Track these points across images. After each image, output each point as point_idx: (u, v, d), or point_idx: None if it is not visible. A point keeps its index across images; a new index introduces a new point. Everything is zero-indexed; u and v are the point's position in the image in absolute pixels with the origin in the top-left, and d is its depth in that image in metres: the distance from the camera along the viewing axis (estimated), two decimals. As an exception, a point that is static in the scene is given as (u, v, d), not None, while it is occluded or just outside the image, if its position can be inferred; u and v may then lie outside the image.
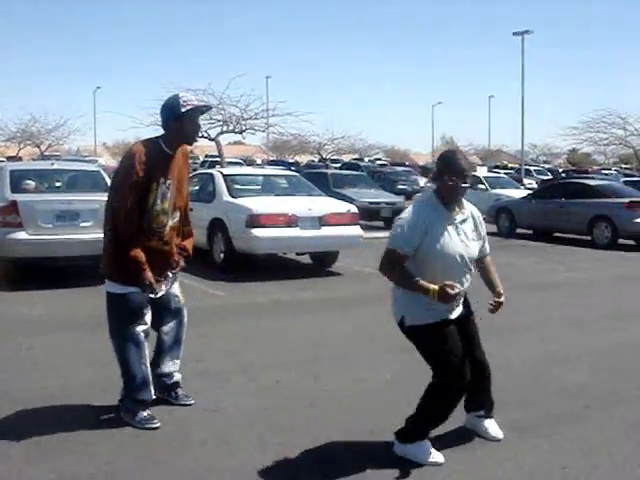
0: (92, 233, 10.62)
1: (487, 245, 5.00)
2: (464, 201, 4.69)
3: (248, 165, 50.58)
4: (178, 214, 5.31)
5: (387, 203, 21.37)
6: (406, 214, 4.54)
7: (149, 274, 5.03)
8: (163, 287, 5.26)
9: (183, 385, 5.74)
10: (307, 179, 15.73)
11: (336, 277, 12.25)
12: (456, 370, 4.55)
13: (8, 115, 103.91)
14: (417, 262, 4.47)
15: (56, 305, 9.28)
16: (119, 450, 4.79)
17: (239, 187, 13.36)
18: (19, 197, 10.73)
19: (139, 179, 4.96)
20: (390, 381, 6.36)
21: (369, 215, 19.76)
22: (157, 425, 5.14)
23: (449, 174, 4.47)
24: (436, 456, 4.62)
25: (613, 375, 6.72)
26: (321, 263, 13.25)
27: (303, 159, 67.99)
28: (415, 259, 4.47)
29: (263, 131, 36.84)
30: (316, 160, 61.72)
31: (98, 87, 75.16)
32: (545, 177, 47.36)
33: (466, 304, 4.92)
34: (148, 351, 5.33)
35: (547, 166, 67.88)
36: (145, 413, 5.20)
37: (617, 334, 8.44)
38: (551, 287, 11.87)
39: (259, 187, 13.95)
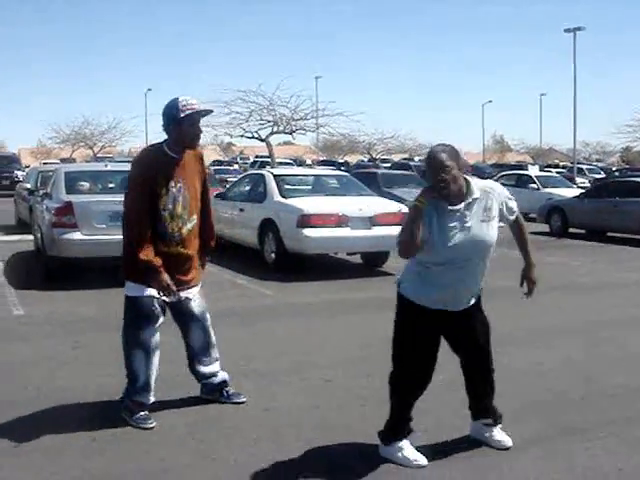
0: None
1: (513, 205, 4.82)
2: (473, 183, 4.49)
3: (298, 165, 50.76)
4: (196, 218, 5.32)
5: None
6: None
7: (165, 276, 5.05)
8: (182, 293, 5.30)
9: (234, 384, 5.80)
10: (357, 179, 15.74)
11: (387, 277, 12.21)
12: (410, 366, 4.61)
13: (61, 118, 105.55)
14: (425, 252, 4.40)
15: (110, 304, 9.42)
16: (175, 447, 4.87)
17: (290, 187, 13.43)
18: (74, 198, 10.93)
19: (145, 184, 5.01)
20: (444, 381, 6.33)
21: (420, 215, 19.63)
22: (152, 425, 5.19)
23: (429, 171, 4.36)
24: (418, 457, 4.59)
25: (669, 377, 6.62)
26: (372, 263, 13.24)
27: (353, 159, 68.01)
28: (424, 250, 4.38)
29: (313, 131, 36.99)
30: (366, 160, 61.69)
31: (149, 89, 75.96)
32: (598, 176, 46.71)
33: (476, 299, 4.75)
34: (158, 358, 5.35)
35: (600, 164, 66.90)
36: (142, 413, 5.26)
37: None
38: (604, 288, 11.69)
39: (309, 187, 14.00)
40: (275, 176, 13.63)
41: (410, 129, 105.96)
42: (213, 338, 5.65)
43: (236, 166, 54.63)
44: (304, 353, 7.27)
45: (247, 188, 14.66)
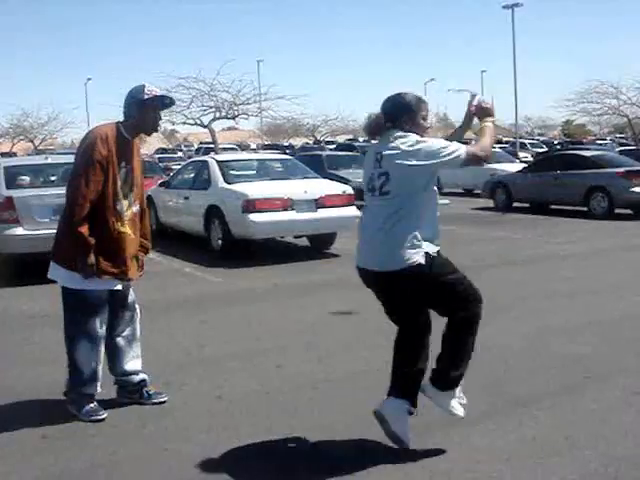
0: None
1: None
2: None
3: (242, 150, 50.53)
4: (138, 204, 5.29)
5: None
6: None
7: (92, 257, 4.94)
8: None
9: (187, 371, 5.75)
10: (302, 162, 15.73)
11: (334, 259, 12.27)
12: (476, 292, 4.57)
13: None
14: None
15: (57, 300, 9.30)
16: (126, 440, 4.83)
17: (234, 173, 13.35)
18: (14, 193, 10.73)
19: (102, 158, 4.92)
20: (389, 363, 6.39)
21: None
22: (103, 416, 5.12)
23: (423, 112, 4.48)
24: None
25: (613, 345, 6.76)
26: (319, 245, 13.26)
27: (298, 142, 67.89)
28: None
29: (256, 116, 36.81)
30: (311, 142, 61.65)
31: (89, 78, 75.00)
32: (540, 150, 47.32)
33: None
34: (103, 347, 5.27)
35: (542, 139, 67.80)
36: (92, 405, 5.17)
37: (616, 304, 8.46)
38: (548, 259, 11.89)
39: (254, 172, 13.95)
40: (219, 162, 13.55)
41: (353, 110, 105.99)
42: (139, 333, 5.53)
43: (180, 154, 54.19)
44: (255, 339, 7.26)
45: (191, 175, 14.55)
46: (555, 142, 59.11)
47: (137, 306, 5.52)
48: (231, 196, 12.20)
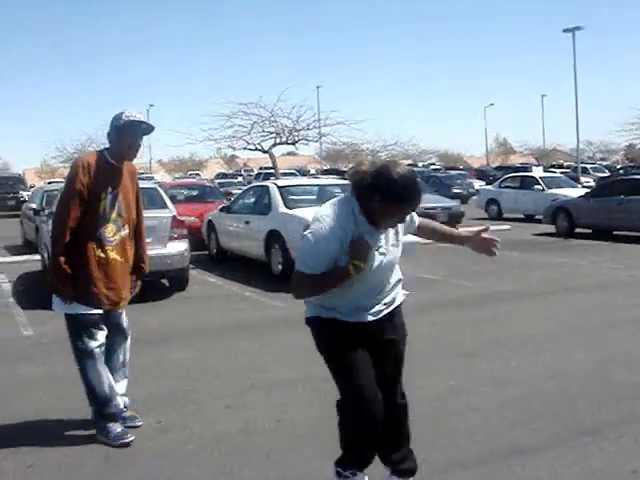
0: (151, 249, 10.78)
1: (414, 218, 4.19)
2: None
3: (302, 175, 50.80)
4: (128, 228, 5.33)
5: (443, 208, 21.24)
6: (323, 222, 3.64)
7: (69, 284, 5.03)
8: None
9: (246, 396, 5.77)
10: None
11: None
12: (361, 392, 3.84)
13: (66, 137, 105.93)
14: None
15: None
16: (187, 464, 4.86)
17: (294, 198, 13.43)
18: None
19: (83, 187, 5.03)
20: (454, 387, 6.34)
21: (425, 220, 19.67)
22: (131, 439, 5.14)
23: (383, 197, 3.56)
24: None
25: (681, 374, 6.60)
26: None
27: (357, 167, 67.94)
28: None
29: (316, 141, 36.89)
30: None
31: (151, 105, 76.02)
32: (602, 174, 46.70)
33: (393, 321, 4.08)
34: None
35: (604, 163, 66.86)
36: (118, 429, 5.19)
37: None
38: (613, 286, 11.66)
39: (314, 197, 14.00)
40: (279, 187, 13.66)
41: (412, 135, 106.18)
42: (128, 357, 5.58)
43: (240, 178, 54.72)
44: (317, 363, 7.23)
45: (252, 200, 14.69)
46: (618, 167, 58.26)
47: (129, 331, 5.56)
48: (291, 221, 12.25)
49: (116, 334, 5.45)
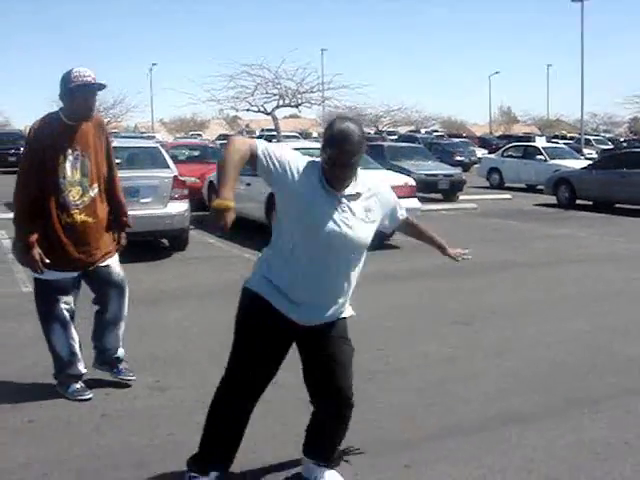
0: (152, 209, 10.83)
1: (401, 211, 4.05)
2: (362, 177, 3.73)
3: (304, 139, 50.62)
4: (97, 187, 5.22)
5: (445, 175, 21.24)
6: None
7: (35, 251, 4.96)
8: (99, 263, 5.26)
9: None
10: (363, 152, 15.69)
11: (394, 250, 12.23)
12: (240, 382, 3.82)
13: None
14: (279, 222, 3.83)
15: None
16: (185, 420, 4.90)
17: (295, 161, 13.37)
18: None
19: (36, 151, 4.97)
20: (450, 354, 6.37)
21: (427, 187, 19.71)
22: (89, 396, 5.23)
23: (323, 145, 3.58)
24: None
25: (676, 348, 6.63)
26: (378, 237, 13.21)
27: (359, 132, 67.69)
28: (279, 219, 3.82)
29: (319, 104, 36.75)
30: (372, 133, 61.50)
31: (154, 64, 75.77)
32: (606, 147, 46.50)
33: (329, 333, 3.82)
34: (74, 328, 5.33)
35: (608, 135, 66.57)
36: (77, 385, 5.30)
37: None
38: (612, 259, 11.68)
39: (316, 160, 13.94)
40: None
41: (416, 101, 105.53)
42: (125, 311, 5.54)
43: (242, 140, 54.39)
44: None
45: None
46: (621, 139, 58.01)
47: (124, 284, 5.48)
48: (293, 184, 12.19)
49: (107, 289, 5.38)
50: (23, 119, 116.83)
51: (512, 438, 4.60)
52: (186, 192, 11.72)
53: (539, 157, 25.02)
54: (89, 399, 5.26)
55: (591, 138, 53.28)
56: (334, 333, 3.81)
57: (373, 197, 3.75)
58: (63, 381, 5.35)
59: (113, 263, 5.41)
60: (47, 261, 4.98)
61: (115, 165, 5.53)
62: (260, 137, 51.53)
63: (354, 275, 3.77)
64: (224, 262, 11.06)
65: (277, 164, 3.61)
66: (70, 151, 5.05)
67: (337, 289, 3.72)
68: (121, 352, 5.58)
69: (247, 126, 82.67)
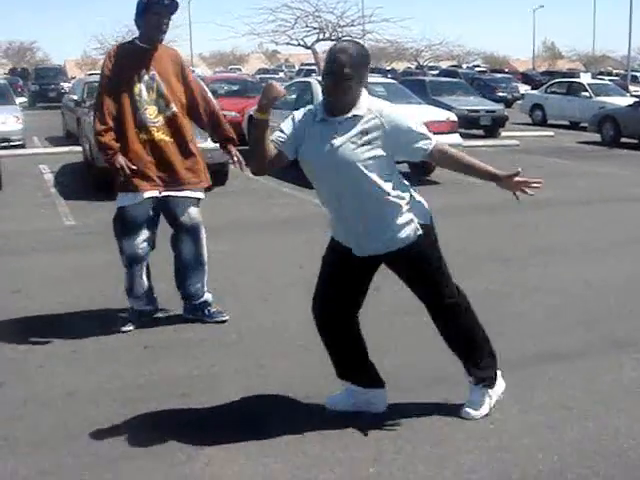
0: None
1: (425, 141, 3.74)
2: (364, 99, 3.71)
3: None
4: (175, 107, 5.30)
5: (487, 111, 20.96)
6: None
7: (120, 157, 5.08)
8: (169, 192, 5.30)
9: (285, 291, 5.81)
10: (405, 87, 15.51)
11: (434, 186, 12.15)
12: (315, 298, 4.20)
13: (106, 28, 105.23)
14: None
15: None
16: (225, 352, 4.98)
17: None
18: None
19: (111, 73, 5.18)
20: (490, 291, 6.35)
21: (468, 123, 19.47)
22: (129, 329, 5.36)
23: (324, 64, 3.80)
24: None
25: None
26: (420, 172, 13.15)
27: (400, 66, 66.83)
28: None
29: (360, 38, 36.25)
30: (413, 67, 60.64)
31: (194, -4, 74.78)
32: (653, 83, 45.44)
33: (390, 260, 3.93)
34: (146, 266, 5.45)
35: (656, 71, 64.99)
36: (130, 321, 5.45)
37: None
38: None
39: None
40: (321, 83, 13.48)
41: (458, 35, 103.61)
42: (205, 256, 5.55)
43: (282, 74, 54.08)
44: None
45: (293, 96, 14.53)
46: (670, 75, 56.62)
47: (199, 229, 5.50)
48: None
49: (181, 232, 5.45)
50: (61, 55, 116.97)
51: (551, 375, 4.61)
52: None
53: (584, 94, 24.52)
54: (128, 331, 5.36)
55: (638, 75, 52.04)
56: (402, 261, 3.93)
57: (375, 120, 3.65)
58: (131, 313, 5.52)
59: (191, 204, 5.46)
60: (134, 167, 5.11)
61: (204, 92, 5.65)
62: (299, 71, 51.15)
63: (379, 203, 3.75)
64: (264, 196, 11.18)
65: (289, 142, 3.87)
66: (145, 71, 5.24)
67: (365, 219, 3.77)
68: (208, 296, 5.62)
69: (287, 60, 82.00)
